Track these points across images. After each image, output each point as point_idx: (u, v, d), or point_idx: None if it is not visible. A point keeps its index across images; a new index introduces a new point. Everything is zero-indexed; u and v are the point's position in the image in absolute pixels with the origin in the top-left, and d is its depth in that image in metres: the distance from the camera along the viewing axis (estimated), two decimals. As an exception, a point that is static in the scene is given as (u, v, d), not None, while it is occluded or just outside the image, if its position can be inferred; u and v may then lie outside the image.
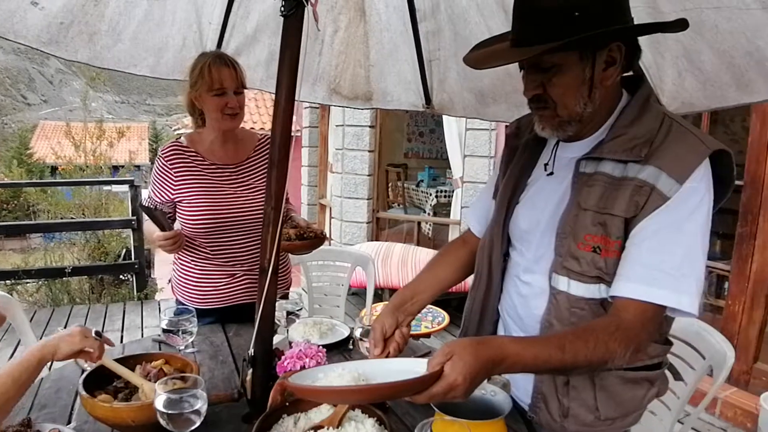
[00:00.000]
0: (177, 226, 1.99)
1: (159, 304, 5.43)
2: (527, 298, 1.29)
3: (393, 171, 7.74)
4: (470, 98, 2.32)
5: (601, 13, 1.06)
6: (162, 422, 1.07)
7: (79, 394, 1.25)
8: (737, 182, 3.30)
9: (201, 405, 1.09)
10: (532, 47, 1.09)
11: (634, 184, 1.09)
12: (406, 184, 7.66)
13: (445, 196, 7.12)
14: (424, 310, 4.55)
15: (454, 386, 0.91)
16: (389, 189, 7.89)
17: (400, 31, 2.17)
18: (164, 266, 7.09)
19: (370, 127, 6.47)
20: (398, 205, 7.79)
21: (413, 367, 1.01)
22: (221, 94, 1.90)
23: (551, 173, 1.27)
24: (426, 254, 5.30)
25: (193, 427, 1.08)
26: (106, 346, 1.33)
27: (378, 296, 5.05)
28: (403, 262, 5.16)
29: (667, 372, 1.31)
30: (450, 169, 6.13)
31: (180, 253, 2.04)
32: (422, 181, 7.71)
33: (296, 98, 1.38)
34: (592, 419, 1.21)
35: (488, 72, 2.11)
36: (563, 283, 1.18)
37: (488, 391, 1.14)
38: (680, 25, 1.08)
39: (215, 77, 1.88)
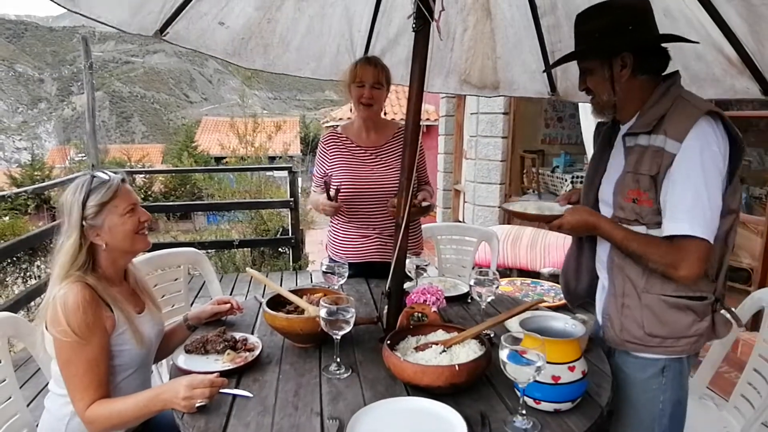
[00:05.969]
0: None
1: (311, 275, 6.15)
2: (601, 243, 1.68)
3: (528, 157, 7.74)
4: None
5: (612, 34, 1.50)
6: (322, 325, 1.50)
7: (264, 310, 1.72)
8: None
9: (350, 316, 1.50)
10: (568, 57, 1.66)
11: (653, 149, 1.45)
12: (541, 170, 7.63)
13: (581, 182, 7.01)
14: (547, 286, 4.66)
15: (562, 225, 1.58)
16: (524, 175, 7.91)
17: (524, 26, 2.43)
18: (312, 246, 7.93)
19: (503, 113, 6.62)
20: (533, 192, 7.78)
21: (552, 206, 1.72)
22: (361, 86, 2.35)
23: (613, 148, 1.68)
24: (556, 237, 5.28)
25: (343, 332, 1.50)
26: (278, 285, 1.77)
27: (505, 275, 5.25)
28: (532, 245, 5.28)
29: (727, 316, 1.54)
30: (586, 154, 6.09)
31: (332, 218, 2.54)
32: (557, 166, 7.63)
33: (431, 90, 1.79)
34: (642, 334, 1.54)
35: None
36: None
37: (569, 324, 1.41)
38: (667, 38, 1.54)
39: (359, 72, 2.35)
